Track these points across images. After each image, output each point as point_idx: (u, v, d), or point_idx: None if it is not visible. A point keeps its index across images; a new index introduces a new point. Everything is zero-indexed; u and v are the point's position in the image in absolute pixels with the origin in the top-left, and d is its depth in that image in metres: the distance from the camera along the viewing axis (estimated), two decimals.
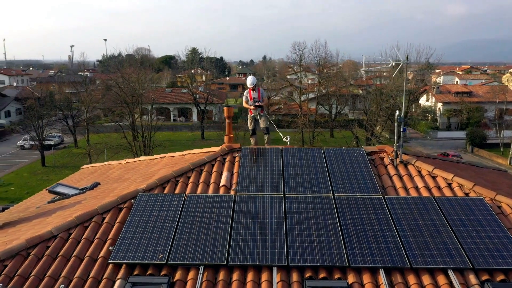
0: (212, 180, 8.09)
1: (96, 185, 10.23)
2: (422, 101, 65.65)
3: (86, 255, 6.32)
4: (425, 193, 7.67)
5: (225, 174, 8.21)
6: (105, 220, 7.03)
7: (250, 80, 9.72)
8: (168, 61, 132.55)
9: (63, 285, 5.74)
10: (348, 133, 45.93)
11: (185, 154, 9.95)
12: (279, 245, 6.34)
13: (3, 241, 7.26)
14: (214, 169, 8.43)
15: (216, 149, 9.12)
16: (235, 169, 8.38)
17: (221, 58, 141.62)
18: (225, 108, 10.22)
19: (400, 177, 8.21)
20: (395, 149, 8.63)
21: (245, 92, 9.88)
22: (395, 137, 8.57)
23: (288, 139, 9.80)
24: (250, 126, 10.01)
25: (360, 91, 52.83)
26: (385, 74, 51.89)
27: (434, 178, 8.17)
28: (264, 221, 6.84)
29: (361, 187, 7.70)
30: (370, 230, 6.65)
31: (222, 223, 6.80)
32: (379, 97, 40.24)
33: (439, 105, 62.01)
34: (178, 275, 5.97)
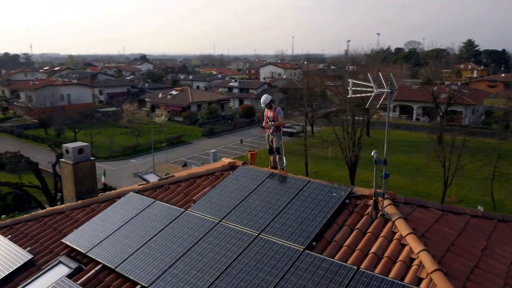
0: (193, 193, 8.71)
1: (168, 177, 12.28)
2: None
3: (64, 231, 8.37)
4: (368, 262, 6.01)
5: (205, 189, 8.65)
6: (98, 209, 8.90)
7: (262, 99, 9.49)
8: (437, 54, 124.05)
9: (29, 248, 7.97)
10: None
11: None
12: (161, 268, 6.63)
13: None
14: (205, 182, 8.97)
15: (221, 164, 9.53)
16: None
17: (503, 50, 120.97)
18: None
19: (363, 234, 6.61)
20: (374, 199, 6.92)
21: (264, 111, 9.66)
22: (374, 184, 6.88)
23: (285, 163, 9.13)
24: (267, 145, 9.75)
25: None
26: None
27: (402, 246, 6.20)
28: (176, 241, 7.15)
29: (295, 233, 6.73)
30: (244, 279, 5.99)
31: (149, 232, 7.54)
32: None
33: None
34: (89, 266, 7.24)
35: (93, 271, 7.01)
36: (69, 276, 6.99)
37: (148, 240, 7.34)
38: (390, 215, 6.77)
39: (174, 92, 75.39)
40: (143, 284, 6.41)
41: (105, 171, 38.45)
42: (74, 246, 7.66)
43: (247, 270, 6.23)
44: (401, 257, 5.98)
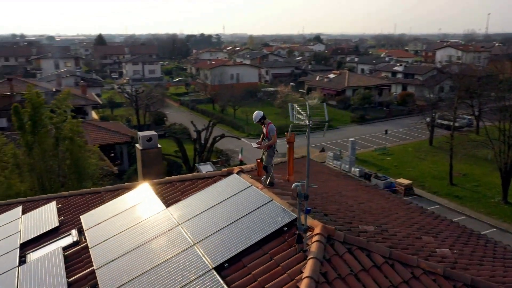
0: (186, 193, 9.53)
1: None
2: None
3: (90, 206, 10.26)
4: None
5: (196, 191, 9.36)
6: (122, 194, 10.54)
7: (253, 116, 9.28)
8: None
9: (62, 217, 10.09)
10: None
11: None
12: (111, 257, 7.76)
13: None
14: (202, 185, 9.67)
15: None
16: None
17: None
18: (287, 134, 10.29)
19: (276, 266, 6.40)
20: (298, 233, 6.54)
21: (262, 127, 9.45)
22: (298, 217, 6.52)
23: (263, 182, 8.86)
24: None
25: None
26: None
27: None
28: (137, 236, 8.15)
29: (219, 250, 6.91)
30: (153, 283, 6.63)
31: (131, 222, 8.73)
32: None
33: None
34: (82, 242, 8.89)
35: (79, 246, 8.62)
36: (66, 247, 8.75)
37: (124, 230, 8.55)
38: (311, 254, 6.37)
39: (331, 75, 75.30)
40: (94, 267, 7.67)
41: (242, 148, 41.81)
42: (82, 223, 9.45)
43: (163, 275, 6.84)
44: None
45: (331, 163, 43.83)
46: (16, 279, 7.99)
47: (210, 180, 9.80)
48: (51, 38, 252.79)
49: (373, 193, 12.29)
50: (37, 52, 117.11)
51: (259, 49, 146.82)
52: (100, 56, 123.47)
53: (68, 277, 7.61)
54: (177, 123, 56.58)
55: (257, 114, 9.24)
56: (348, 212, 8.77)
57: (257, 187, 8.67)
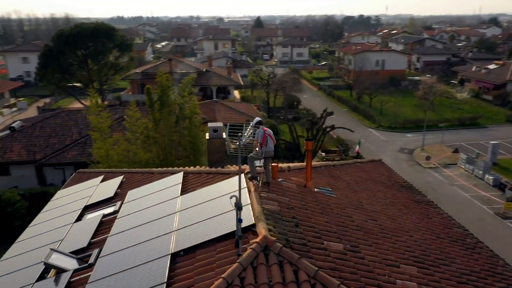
0: (204, 184, 10.76)
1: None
2: None
3: (141, 184, 12.34)
4: None
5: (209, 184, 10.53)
6: (166, 177, 12.35)
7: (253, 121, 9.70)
8: None
9: (118, 190, 12.40)
10: None
11: None
12: (123, 228, 9.54)
13: None
14: (221, 179, 10.76)
15: None
16: None
17: None
18: (305, 142, 10.68)
19: (213, 265, 7.22)
20: (236, 238, 7.16)
21: None
22: (236, 225, 7.14)
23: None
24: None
25: None
26: None
27: None
28: (147, 216, 9.75)
29: (186, 238, 8.03)
30: (127, 255, 8.15)
31: (152, 203, 10.41)
32: None
33: None
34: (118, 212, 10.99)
35: (113, 216, 10.71)
36: (106, 214, 10.96)
37: (141, 210, 10.29)
38: (239, 258, 6.99)
39: (491, 66, 66.00)
40: (109, 234, 9.58)
41: (360, 141, 40.83)
42: (125, 198, 11.56)
43: (139, 251, 8.31)
44: None
45: (462, 167, 39.49)
46: (67, 232, 10.50)
47: (227, 176, 10.83)
48: (220, 20, 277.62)
49: (411, 212, 11.58)
50: (203, 33, 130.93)
51: (419, 33, 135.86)
52: (256, 38, 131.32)
53: (92, 238, 9.74)
54: (308, 108, 57.53)
55: (255, 119, 9.89)
56: (335, 227, 8.82)
57: (251, 190, 9.38)
